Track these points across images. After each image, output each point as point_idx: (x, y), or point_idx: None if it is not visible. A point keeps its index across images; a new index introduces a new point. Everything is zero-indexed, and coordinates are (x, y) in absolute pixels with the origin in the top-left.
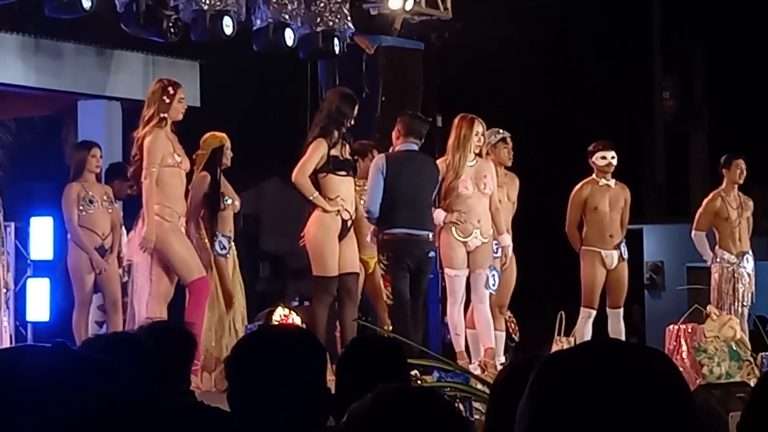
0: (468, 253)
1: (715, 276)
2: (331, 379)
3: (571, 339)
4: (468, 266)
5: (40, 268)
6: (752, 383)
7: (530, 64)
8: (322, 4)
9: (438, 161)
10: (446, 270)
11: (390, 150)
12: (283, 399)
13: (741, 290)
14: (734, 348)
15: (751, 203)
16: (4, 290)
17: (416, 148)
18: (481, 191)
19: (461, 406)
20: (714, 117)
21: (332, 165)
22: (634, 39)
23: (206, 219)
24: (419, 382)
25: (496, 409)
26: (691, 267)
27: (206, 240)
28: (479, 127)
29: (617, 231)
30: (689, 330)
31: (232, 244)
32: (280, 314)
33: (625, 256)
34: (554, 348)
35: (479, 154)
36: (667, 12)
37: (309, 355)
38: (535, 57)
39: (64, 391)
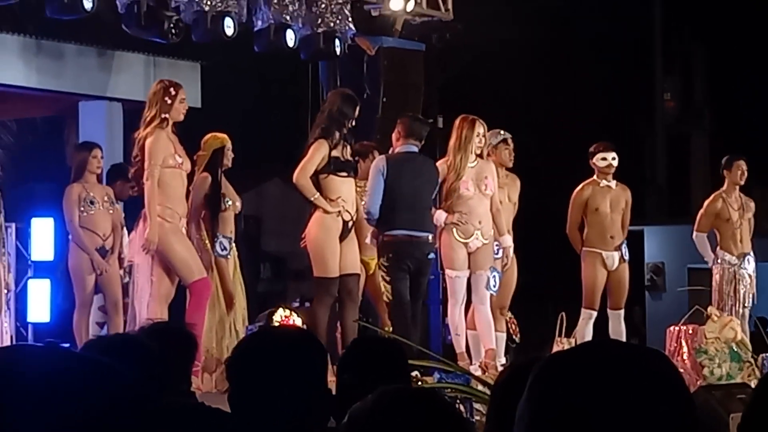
0: (469, 254)
1: (716, 277)
2: (331, 380)
3: (572, 340)
4: (469, 267)
5: (41, 269)
6: (753, 384)
7: (531, 65)
8: (323, 5)
9: (439, 162)
10: (447, 271)
11: (390, 151)
12: (283, 400)
13: (742, 291)
14: (735, 349)
15: (752, 204)
16: (5, 291)
17: (416, 149)
18: (482, 192)
19: (462, 408)
20: (715, 118)
21: (333, 166)
22: (635, 40)
23: (207, 220)
24: (420, 383)
25: (496, 410)
26: (692, 268)
27: (207, 241)
28: (480, 128)
29: (618, 232)
30: (690, 331)
31: (233, 245)
32: (280, 315)
33: (626, 257)
34: (555, 349)
35: (480, 155)
36: (668, 13)
37: (310, 356)
38: (537, 58)
39: (65, 391)
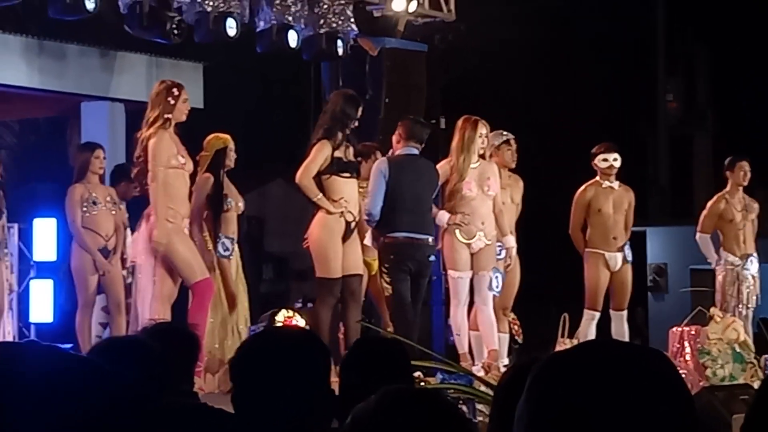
0: (472, 254)
1: (719, 278)
2: (334, 380)
3: (575, 341)
4: (471, 268)
5: (44, 270)
6: (756, 385)
7: (534, 66)
8: (325, 6)
9: (441, 163)
10: (450, 272)
11: (390, 153)
12: (286, 400)
13: (745, 292)
14: (738, 350)
15: (756, 205)
16: (8, 291)
17: (417, 152)
18: (485, 193)
19: (464, 408)
20: (718, 119)
21: (336, 167)
22: (638, 41)
23: (209, 220)
24: (423, 383)
25: (499, 410)
26: (695, 269)
27: (209, 241)
28: (483, 128)
29: (621, 233)
30: (693, 332)
31: (236, 245)
32: (283, 316)
33: (629, 258)
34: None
35: (483, 156)
36: (671, 14)
37: (312, 357)
38: (539, 59)
39: (65, 392)
